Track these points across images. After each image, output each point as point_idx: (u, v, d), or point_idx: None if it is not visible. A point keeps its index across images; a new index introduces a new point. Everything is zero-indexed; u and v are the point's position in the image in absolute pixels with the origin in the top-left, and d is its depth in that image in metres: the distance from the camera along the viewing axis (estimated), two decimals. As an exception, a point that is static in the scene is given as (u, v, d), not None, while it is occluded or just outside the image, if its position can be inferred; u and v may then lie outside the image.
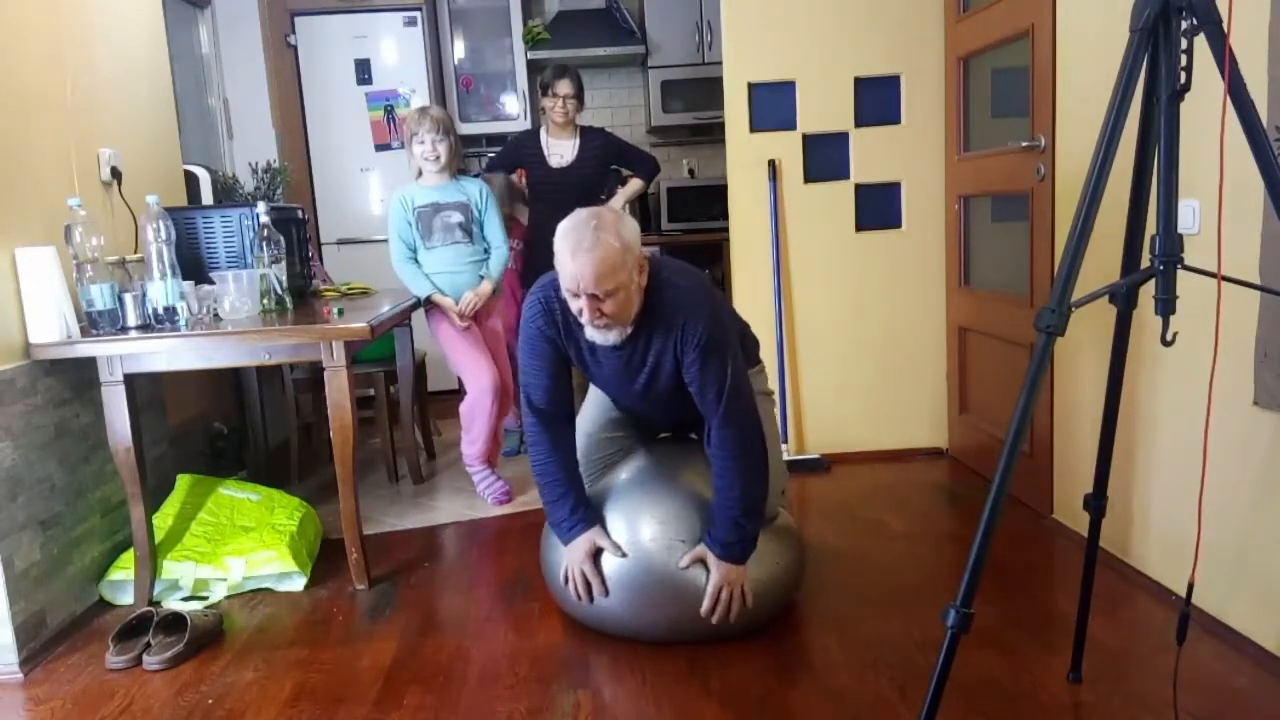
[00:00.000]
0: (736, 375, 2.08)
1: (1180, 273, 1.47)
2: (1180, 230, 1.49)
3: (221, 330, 2.48)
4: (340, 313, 2.72)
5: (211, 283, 2.73)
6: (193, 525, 2.73)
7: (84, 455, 2.55)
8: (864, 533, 2.85)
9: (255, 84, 4.72)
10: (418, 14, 5.04)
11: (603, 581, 2.15)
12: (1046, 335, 1.43)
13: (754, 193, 3.52)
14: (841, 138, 3.50)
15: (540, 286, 2.17)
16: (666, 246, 5.16)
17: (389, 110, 5.07)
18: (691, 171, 5.61)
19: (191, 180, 3.46)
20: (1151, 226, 1.52)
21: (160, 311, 2.50)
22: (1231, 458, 2.03)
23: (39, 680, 2.20)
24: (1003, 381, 3.16)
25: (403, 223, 3.23)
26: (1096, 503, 1.76)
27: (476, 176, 3.48)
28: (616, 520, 2.19)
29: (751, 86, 3.47)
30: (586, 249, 1.92)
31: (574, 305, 2.02)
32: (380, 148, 5.11)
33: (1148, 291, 1.52)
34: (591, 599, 2.17)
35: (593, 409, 2.44)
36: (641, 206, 5.32)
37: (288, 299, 2.92)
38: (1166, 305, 1.49)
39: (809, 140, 3.50)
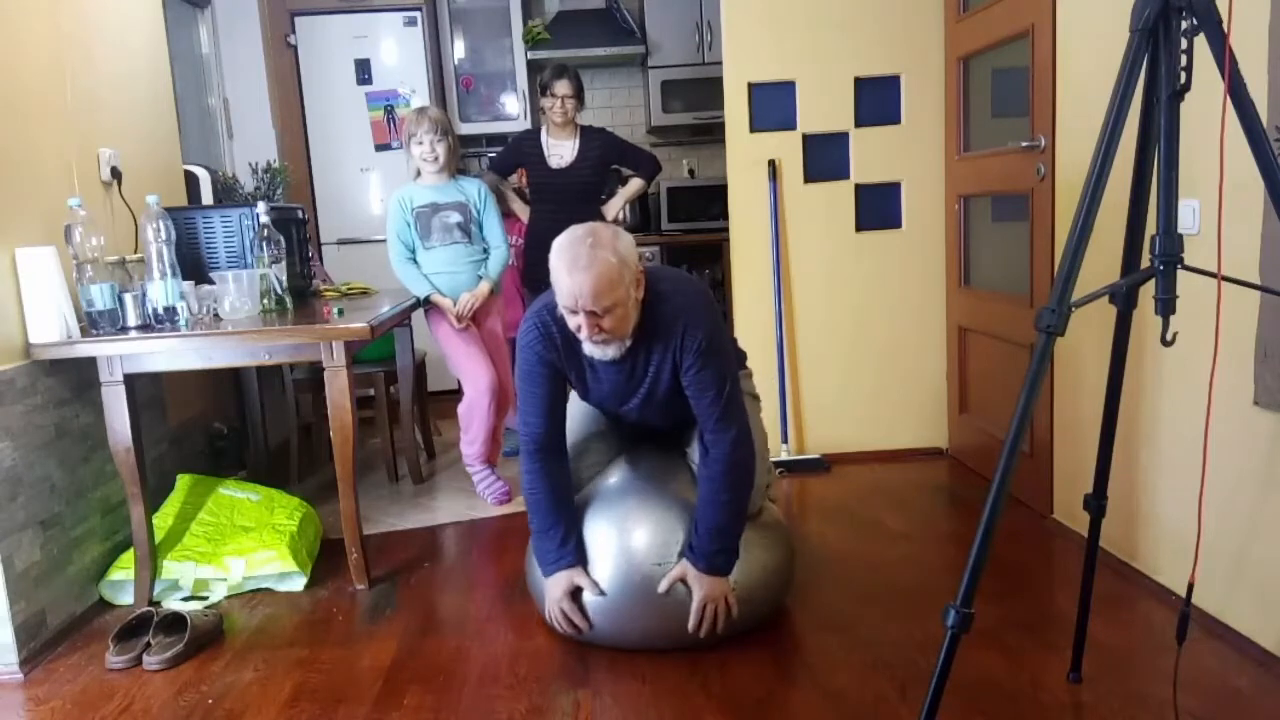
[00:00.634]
0: (734, 381, 2.10)
1: (1180, 273, 1.47)
2: (1180, 230, 1.49)
3: (221, 330, 2.48)
4: (340, 313, 2.72)
5: (211, 283, 2.73)
6: (193, 525, 2.73)
7: (84, 455, 2.55)
8: (864, 533, 2.85)
9: (255, 84, 4.72)
10: (418, 14, 5.04)
11: (584, 616, 2.13)
12: (1046, 335, 1.43)
13: (754, 193, 3.52)
14: (841, 138, 3.50)
15: (535, 312, 2.15)
16: (666, 246, 5.16)
17: (389, 110, 5.08)
18: (691, 171, 5.61)
19: (191, 180, 3.46)
20: (1151, 226, 1.52)
21: (160, 311, 2.50)
22: (1231, 457, 2.03)
23: (39, 680, 2.20)
24: (1003, 381, 3.16)
25: (401, 223, 3.23)
26: (1096, 503, 1.76)
27: (476, 177, 3.48)
28: (604, 544, 2.15)
29: (751, 86, 3.47)
30: (583, 266, 1.91)
31: (572, 322, 2.01)
32: (380, 148, 5.11)
33: (1148, 291, 1.52)
34: (578, 632, 2.15)
35: (576, 423, 2.41)
36: (641, 207, 5.32)
37: (288, 299, 2.92)
38: (1166, 305, 1.49)
39: (809, 140, 3.50)
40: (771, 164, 3.49)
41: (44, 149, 2.48)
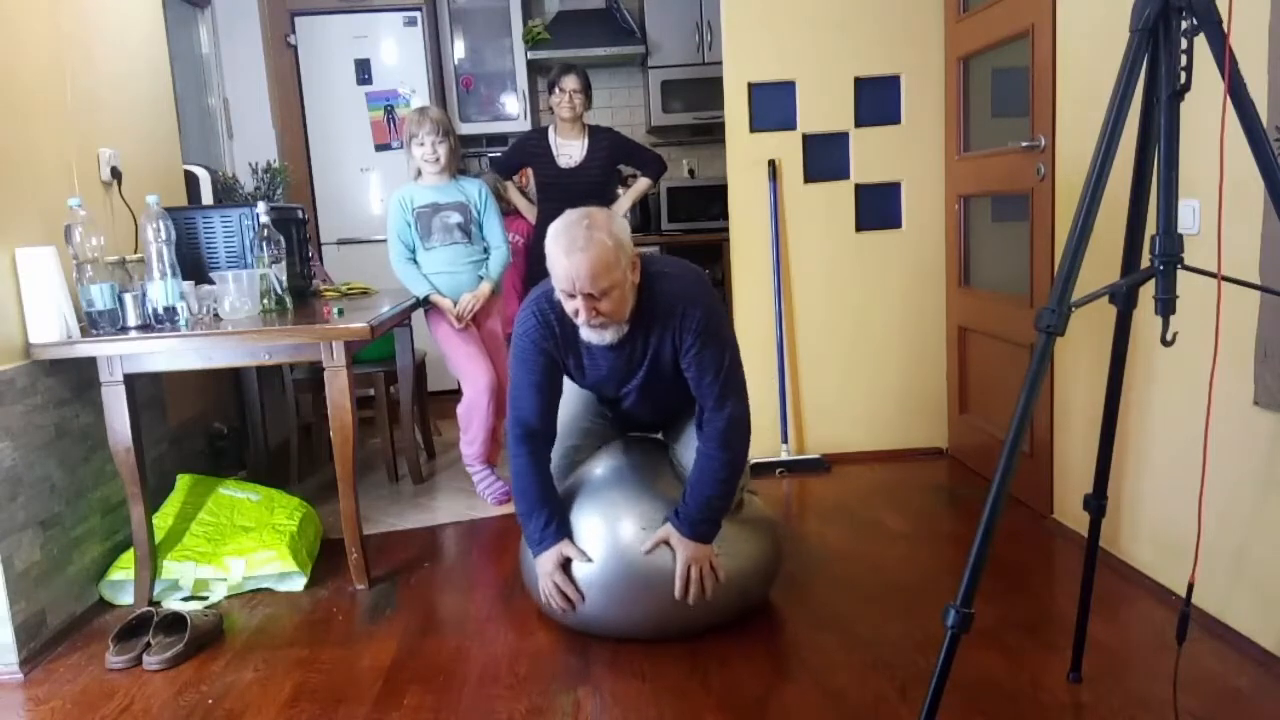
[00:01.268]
0: (733, 359, 2.12)
1: (1180, 273, 1.47)
2: (1180, 230, 1.49)
3: (221, 330, 2.48)
4: (340, 313, 2.72)
5: (211, 283, 2.73)
6: (193, 525, 2.73)
7: (84, 455, 2.55)
8: (864, 533, 2.85)
9: (255, 84, 4.72)
10: (418, 14, 5.04)
11: (576, 588, 2.15)
12: (1046, 335, 1.43)
13: (754, 193, 3.52)
14: (841, 138, 3.50)
15: (533, 300, 2.17)
16: (666, 247, 5.16)
17: (389, 110, 5.07)
18: (691, 171, 5.61)
19: (191, 180, 3.46)
20: (1151, 226, 1.52)
21: (160, 311, 2.50)
22: (1231, 458, 2.03)
23: (39, 680, 2.20)
24: (1003, 381, 3.16)
25: (402, 223, 3.23)
26: (1096, 503, 1.76)
27: (476, 176, 3.48)
28: (593, 522, 2.18)
29: (751, 86, 3.47)
30: (580, 248, 1.93)
31: (569, 306, 2.02)
32: (380, 148, 5.11)
33: (1148, 291, 1.52)
34: (572, 607, 2.17)
35: (569, 403, 2.43)
36: (642, 207, 5.31)
37: (288, 299, 2.92)
38: (1166, 305, 1.49)
39: (809, 140, 3.50)
40: (771, 164, 3.49)
41: (44, 149, 2.48)
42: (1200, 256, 1.90)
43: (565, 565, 2.17)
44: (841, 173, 3.52)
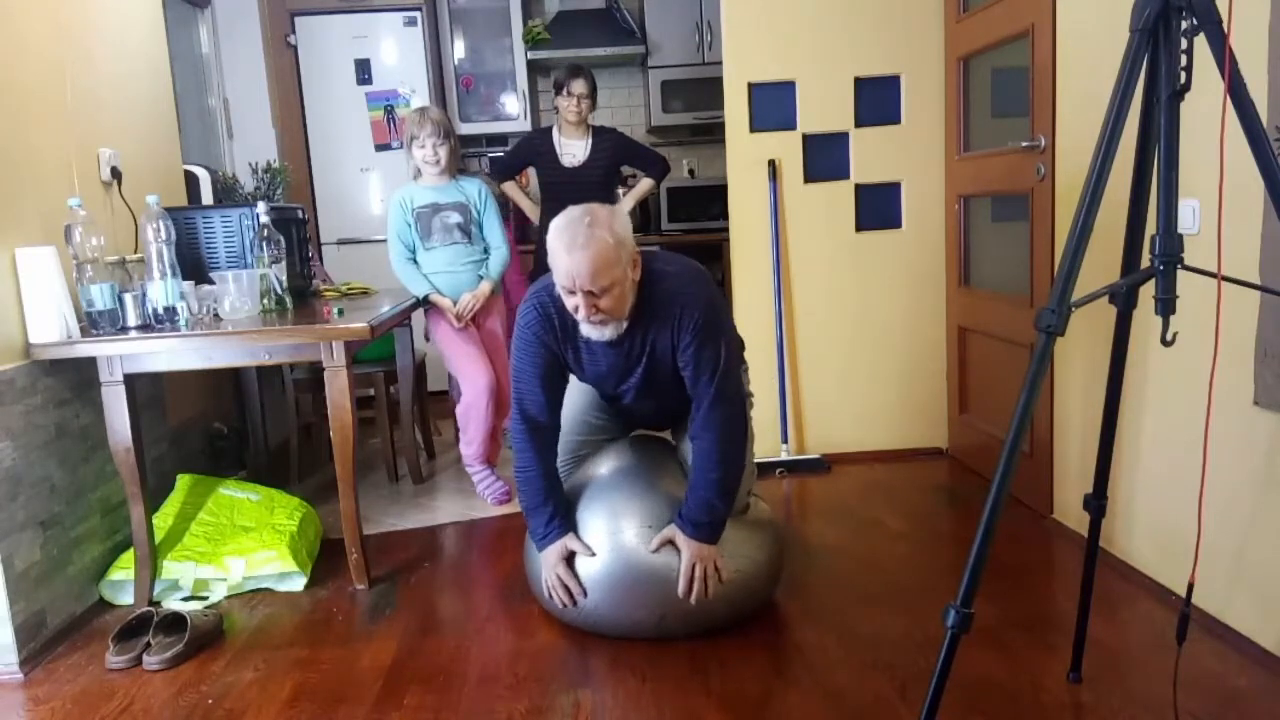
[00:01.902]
0: (729, 359, 2.12)
1: (1180, 273, 1.47)
2: (1180, 230, 1.49)
3: (221, 330, 2.48)
4: (340, 313, 2.72)
5: (211, 283, 2.73)
6: (193, 525, 2.73)
7: (84, 455, 2.55)
8: (864, 533, 2.85)
9: (255, 84, 4.72)
10: (418, 14, 5.04)
11: (579, 583, 2.16)
12: (1046, 335, 1.43)
13: (754, 193, 3.52)
14: (841, 138, 3.50)
15: (534, 293, 2.18)
16: (666, 247, 5.14)
17: (389, 110, 5.07)
18: (691, 171, 5.61)
19: (191, 180, 3.46)
20: (1151, 226, 1.52)
21: (160, 311, 2.50)
22: (1231, 457, 2.03)
23: (39, 680, 2.20)
24: (1003, 381, 3.16)
25: (402, 223, 3.23)
26: (1096, 503, 1.76)
27: (476, 176, 3.48)
28: (596, 519, 2.19)
29: (751, 86, 3.47)
30: (581, 245, 1.94)
31: (569, 303, 2.03)
32: (380, 148, 5.11)
33: (1148, 291, 1.52)
34: (574, 602, 2.17)
35: (573, 401, 2.44)
36: (642, 207, 5.30)
37: (288, 299, 2.92)
38: (1166, 305, 1.49)
39: (809, 140, 3.50)
40: (771, 164, 3.49)
41: (44, 149, 2.48)
42: (1200, 256, 1.89)
43: (569, 559, 2.17)
44: (841, 173, 3.52)
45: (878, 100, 3.49)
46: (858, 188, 3.53)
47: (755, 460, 2.39)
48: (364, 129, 5.09)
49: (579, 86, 3.67)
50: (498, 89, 5.32)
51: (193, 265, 2.90)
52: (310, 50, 5.03)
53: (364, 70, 5.05)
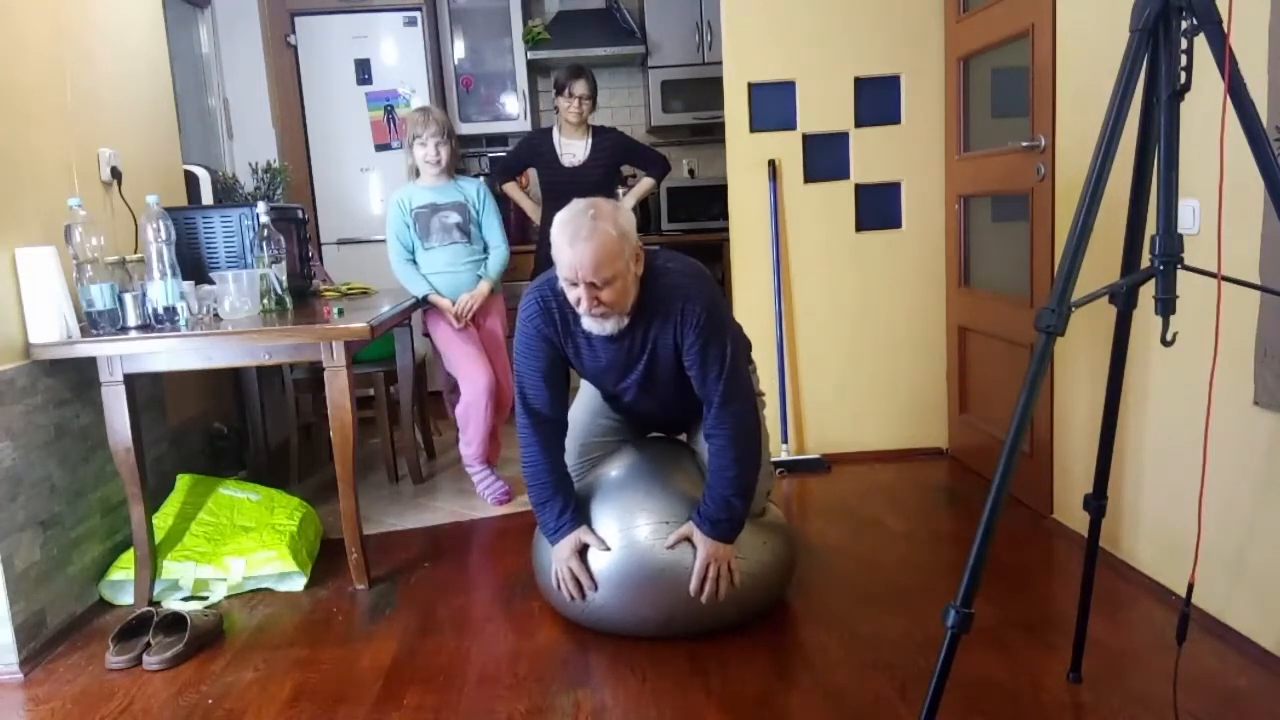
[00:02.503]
0: (735, 356, 2.12)
1: (1180, 273, 1.47)
2: (1180, 230, 1.49)
3: (221, 330, 2.48)
4: (340, 313, 2.72)
5: (211, 283, 2.73)
6: (193, 525, 2.73)
7: (84, 455, 2.55)
8: (864, 533, 2.85)
9: (255, 84, 4.72)
10: (418, 14, 5.04)
11: (590, 576, 2.17)
12: (1046, 335, 1.43)
13: (754, 193, 3.52)
14: (841, 138, 3.50)
15: (536, 286, 2.18)
16: (666, 247, 5.14)
17: (389, 110, 5.07)
18: (691, 171, 5.61)
19: (191, 180, 3.46)
20: (1151, 226, 1.52)
21: (160, 311, 2.50)
22: (1231, 457, 2.03)
23: (39, 680, 2.20)
24: (1003, 381, 3.16)
25: (401, 224, 3.23)
26: (1096, 503, 1.76)
27: (475, 176, 3.48)
28: (609, 516, 2.20)
29: (751, 86, 3.47)
30: (584, 237, 1.94)
31: (572, 295, 2.03)
32: (380, 148, 5.10)
33: (1148, 291, 1.52)
34: (583, 595, 2.17)
35: (584, 403, 2.45)
36: (642, 207, 5.30)
37: (288, 299, 2.92)
38: (1166, 305, 1.49)
39: (809, 140, 3.50)
40: (771, 164, 3.49)
41: (44, 149, 2.48)
42: (1200, 256, 1.89)
43: (582, 552, 2.18)
44: (841, 173, 3.52)
45: (878, 100, 3.49)
46: (858, 188, 3.53)
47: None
48: (364, 129, 5.09)
49: (580, 88, 3.68)
50: (498, 89, 5.32)
51: (193, 265, 2.90)
52: (310, 50, 5.03)
53: (364, 70, 5.05)
